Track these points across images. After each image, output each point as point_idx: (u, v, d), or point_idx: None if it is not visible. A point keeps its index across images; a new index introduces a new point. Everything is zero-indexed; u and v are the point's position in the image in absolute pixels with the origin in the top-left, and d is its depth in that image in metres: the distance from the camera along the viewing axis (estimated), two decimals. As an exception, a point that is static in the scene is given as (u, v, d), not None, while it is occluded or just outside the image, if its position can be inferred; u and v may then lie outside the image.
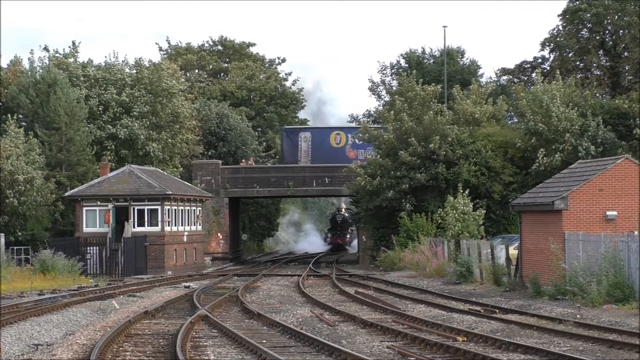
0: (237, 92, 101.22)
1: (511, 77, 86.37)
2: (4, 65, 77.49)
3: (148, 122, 75.57)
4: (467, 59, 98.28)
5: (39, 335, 27.14)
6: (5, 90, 71.84)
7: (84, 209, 62.30)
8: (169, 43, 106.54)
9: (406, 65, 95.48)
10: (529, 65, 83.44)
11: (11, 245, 59.05)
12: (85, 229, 61.87)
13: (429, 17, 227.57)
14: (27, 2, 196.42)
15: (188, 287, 47.24)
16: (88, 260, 58.65)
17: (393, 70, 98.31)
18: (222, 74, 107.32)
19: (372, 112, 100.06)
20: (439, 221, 57.77)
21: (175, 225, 64.28)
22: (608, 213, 37.56)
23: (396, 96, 69.67)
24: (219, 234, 77.91)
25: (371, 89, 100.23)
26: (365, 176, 65.55)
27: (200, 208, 70.14)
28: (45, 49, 79.67)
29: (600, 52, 78.52)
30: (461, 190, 55.97)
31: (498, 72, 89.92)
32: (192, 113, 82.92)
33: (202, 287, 45.55)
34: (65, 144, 67.91)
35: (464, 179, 62.25)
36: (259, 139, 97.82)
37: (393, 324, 28.84)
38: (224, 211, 78.21)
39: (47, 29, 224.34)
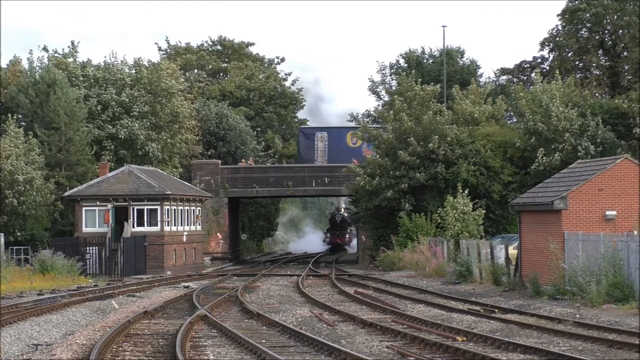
0: (237, 91, 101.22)
1: (510, 77, 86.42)
2: (4, 66, 77.54)
3: (148, 123, 75.57)
4: (466, 58, 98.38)
5: (38, 335, 27.14)
6: (5, 91, 71.82)
7: (84, 209, 62.27)
8: (168, 43, 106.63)
9: (405, 65, 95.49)
10: (528, 65, 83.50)
11: (11, 245, 59.02)
12: (85, 229, 61.84)
13: (429, 17, 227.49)
14: (26, 2, 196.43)
15: (187, 287, 47.23)
16: (87, 260, 58.62)
17: (392, 70, 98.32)
18: (221, 74, 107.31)
19: (372, 112, 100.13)
20: (439, 221, 57.78)
21: (174, 225, 64.27)
22: (607, 213, 37.56)
23: (395, 96, 69.69)
24: (218, 234, 77.90)
25: (371, 89, 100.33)
26: (365, 176, 65.56)
27: (199, 208, 70.13)
28: (45, 49, 79.74)
29: (600, 51, 78.56)
30: (460, 190, 55.98)
31: (497, 72, 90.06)
32: (192, 113, 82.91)
33: (201, 287, 45.55)
34: (65, 144, 67.90)
35: (463, 178, 62.27)
36: (258, 138, 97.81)
37: (392, 324, 28.84)
38: (224, 211, 78.20)
39: (47, 29, 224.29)
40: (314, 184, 78.47)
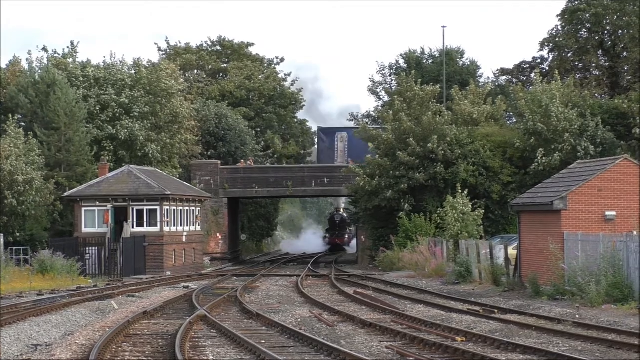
0: (236, 92, 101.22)
1: (510, 77, 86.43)
2: (3, 66, 77.56)
3: (149, 124, 75.55)
4: (466, 59, 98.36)
5: (38, 336, 27.13)
6: (4, 91, 71.81)
7: (83, 209, 62.26)
8: (168, 43, 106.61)
9: (405, 65, 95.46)
10: (527, 66, 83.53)
11: (10, 245, 59.00)
12: (84, 230, 61.84)
13: (429, 17, 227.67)
14: (26, 2, 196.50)
15: (187, 287, 47.23)
16: (87, 261, 58.64)
17: (392, 71, 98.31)
18: (221, 74, 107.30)
19: (372, 113, 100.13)
20: (438, 221, 57.78)
21: (174, 226, 64.27)
22: (607, 213, 37.57)
23: (395, 96, 69.71)
24: (218, 234, 77.89)
25: (370, 90, 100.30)
26: (365, 176, 65.57)
27: (199, 208, 70.12)
28: (44, 49, 79.76)
29: (599, 52, 78.59)
30: (460, 191, 55.97)
31: (497, 72, 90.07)
32: (191, 113, 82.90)
33: (201, 288, 45.55)
34: (65, 144, 67.89)
35: (462, 178, 62.28)
36: (257, 139, 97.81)
37: (392, 324, 28.84)
38: (223, 211, 78.18)
39: (47, 29, 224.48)
40: (313, 184, 78.45)
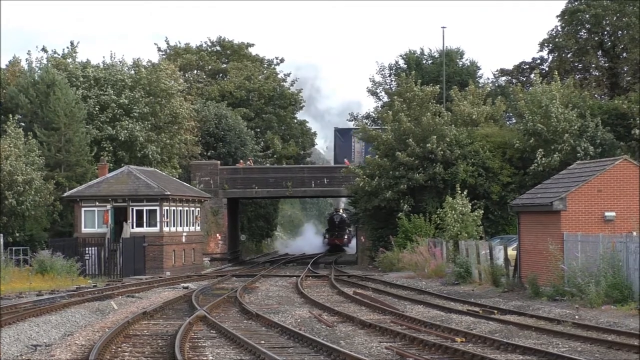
0: (236, 92, 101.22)
1: (510, 77, 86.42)
2: (3, 66, 77.59)
3: (149, 125, 75.54)
4: (466, 59, 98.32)
5: (37, 336, 27.13)
6: (4, 91, 71.81)
7: (83, 209, 62.25)
8: (167, 43, 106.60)
9: (405, 66, 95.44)
10: (527, 66, 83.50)
11: (10, 245, 59.01)
12: (84, 230, 61.82)
13: (429, 18, 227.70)
14: (26, 3, 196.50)
15: (187, 287, 47.22)
16: (87, 261, 58.63)
17: (392, 71, 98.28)
18: (220, 75, 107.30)
19: (371, 114, 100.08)
20: (438, 222, 57.78)
21: (173, 226, 64.25)
22: (606, 214, 37.57)
23: (395, 97, 69.72)
24: (217, 235, 77.88)
25: (370, 90, 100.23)
26: (364, 177, 65.57)
27: (198, 209, 70.11)
28: (44, 49, 79.78)
29: (599, 52, 78.60)
30: (459, 191, 55.97)
31: (497, 72, 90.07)
32: (191, 114, 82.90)
33: (200, 288, 45.55)
34: (64, 144, 67.90)
35: (462, 179, 62.28)
36: (257, 139, 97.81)
37: (391, 325, 28.83)
38: (223, 212, 78.17)
39: (47, 29, 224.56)
40: (313, 184, 78.45)
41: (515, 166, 64.45)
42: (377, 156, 66.92)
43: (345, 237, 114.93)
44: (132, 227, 61.81)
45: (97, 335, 26.69)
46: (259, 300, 40.14)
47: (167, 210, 62.76)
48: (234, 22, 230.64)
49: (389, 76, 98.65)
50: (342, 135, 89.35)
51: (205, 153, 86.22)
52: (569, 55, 79.19)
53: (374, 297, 39.43)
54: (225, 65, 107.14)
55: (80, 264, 56.17)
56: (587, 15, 76.50)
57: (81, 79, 75.46)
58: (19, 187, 61.60)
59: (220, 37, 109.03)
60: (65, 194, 63.53)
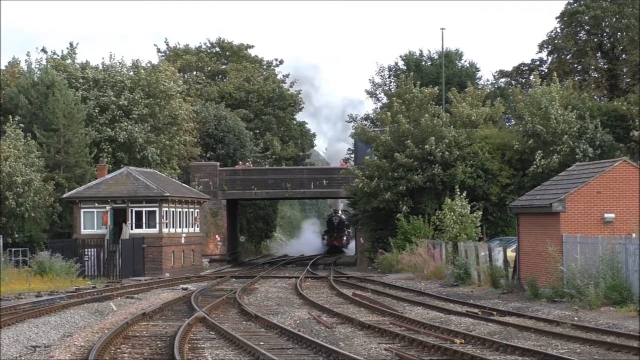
0: (235, 93, 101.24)
1: (509, 79, 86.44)
2: (2, 67, 77.59)
3: (149, 127, 75.53)
4: (465, 61, 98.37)
5: (36, 337, 27.12)
6: (4, 92, 71.80)
7: (82, 210, 62.24)
8: (167, 45, 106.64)
9: (405, 67, 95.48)
10: (526, 68, 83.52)
11: (9, 246, 59.00)
12: (83, 231, 61.82)
13: (428, 19, 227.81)
14: (26, 3, 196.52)
15: (186, 289, 47.22)
16: (86, 262, 58.63)
17: (391, 72, 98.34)
18: (219, 76, 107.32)
19: (370, 115, 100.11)
20: (437, 223, 57.77)
21: (173, 227, 64.24)
22: (606, 215, 37.57)
23: (394, 98, 69.72)
24: (216, 236, 77.87)
25: (369, 92, 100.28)
26: (363, 178, 65.57)
27: (198, 210, 70.10)
28: (43, 50, 79.84)
29: (598, 54, 78.61)
30: (458, 192, 55.95)
31: (496, 74, 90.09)
32: (190, 115, 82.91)
33: (199, 289, 45.54)
34: (64, 145, 67.89)
35: (460, 180, 62.29)
36: (256, 140, 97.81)
37: (390, 326, 28.83)
38: (222, 213, 78.15)
39: (46, 29, 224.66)
40: (312, 186, 78.45)
41: (515, 167, 64.46)
42: (375, 157, 66.93)
43: (344, 238, 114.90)
44: (132, 229, 61.80)
45: (97, 336, 26.70)
46: (258, 301, 40.13)
47: (166, 211, 62.76)
48: (233, 23, 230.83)
49: (389, 77, 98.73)
50: (362, 139, 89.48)
51: (204, 154, 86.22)
52: (568, 57, 79.20)
53: (373, 298, 39.44)
54: (224, 67, 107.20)
55: (79, 265, 56.17)
56: (587, 17, 76.50)
57: (81, 80, 75.49)
58: (18, 188, 61.58)
59: (220, 38, 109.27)
60: (65, 195, 63.51)
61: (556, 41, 78.80)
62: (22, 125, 68.52)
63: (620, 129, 62.82)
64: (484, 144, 65.43)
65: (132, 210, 62.16)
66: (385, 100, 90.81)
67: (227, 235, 79.01)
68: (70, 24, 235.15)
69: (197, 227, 70.12)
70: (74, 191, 63.41)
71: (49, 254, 54.19)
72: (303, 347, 24.67)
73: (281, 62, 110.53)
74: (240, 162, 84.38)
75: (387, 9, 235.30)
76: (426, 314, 33.13)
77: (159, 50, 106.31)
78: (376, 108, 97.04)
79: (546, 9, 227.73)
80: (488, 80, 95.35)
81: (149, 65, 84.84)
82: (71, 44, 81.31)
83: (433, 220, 58.84)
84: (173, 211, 64.13)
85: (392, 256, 60.30)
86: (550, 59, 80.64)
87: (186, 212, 67.02)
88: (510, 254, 44.00)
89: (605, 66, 78.68)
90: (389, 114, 67.70)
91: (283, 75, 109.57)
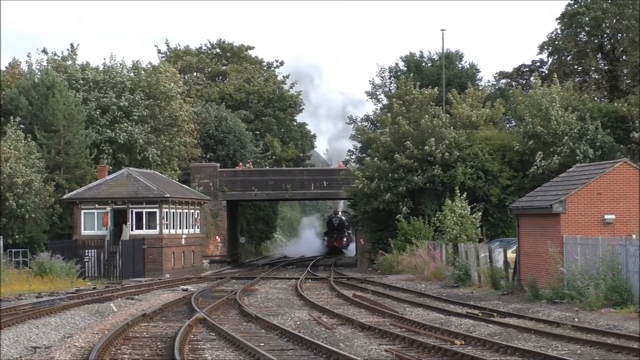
0: (236, 94, 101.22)
1: (509, 80, 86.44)
2: (3, 68, 77.58)
3: (150, 128, 75.52)
4: (465, 62, 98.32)
5: (37, 338, 27.12)
6: (4, 93, 71.81)
7: (82, 211, 62.26)
8: (168, 46, 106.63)
9: (405, 68, 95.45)
10: (527, 69, 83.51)
11: (9, 247, 59.01)
12: (84, 232, 61.84)
13: (428, 20, 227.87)
14: (26, 3, 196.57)
15: (186, 290, 47.23)
16: (86, 263, 58.64)
17: (392, 73, 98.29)
18: (220, 77, 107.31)
19: (370, 116, 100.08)
20: (437, 224, 57.75)
21: (173, 228, 64.25)
22: (606, 217, 37.56)
23: (394, 99, 69.72)
24: (217, 237, 77.86)
25: (369, 93, 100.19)
26: (363, 179, 65.57)
27: (198, 211, 70.11)
28: (44, 51, 79.84)
29: (599, 55, 78.59)
30: (459, 193, 55.95)
31: (496, 75, 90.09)
32: (191, 116, 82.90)
33: (200, 290, 45.55)
34: (64, 146, 67.89)
35: (460, 181, 62.28)
36: (256, 141, 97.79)
37: (391, 327, 28.82)
38: (222, 214, 78.15)
39: (46, 30, 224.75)
40: (312, 187, 78.45)
41: (515, 169, 64.45)
42: (376, 158, 66.92)
43: (344, 239, 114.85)
44: (132, 230, 61.82)
45: (97, 337, 26.70)
46: (259, 302, 40.13)
47: (166, 212, 62.77)
48: (234, 24, 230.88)
49: (389, 78, 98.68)
50: None
51: (204, 155, 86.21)
52: (568, 58, 79.19)
53: (374, 299, 39.43)
54: (225, 68, 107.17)
55: (79, 266, 56.17)
56: (587, 18, 76.49)
57: (81, 82, 75.48)
58: (18, 189, 61.59)
59: (220, 39, 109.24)
60: (65, 196, 63.52)
61: (556, 42, 78.79)
62: (22, 126, 68.51)
63: (621, 130, 62.82)
64: (484, 145, 65.43)
65: (132, 211, 62.18)
66: (385, 101, 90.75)
67: (227, 236, 79.01)
68: (70, 24, 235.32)
69: (198, 228, 70.13)
70: (74, 192, 63.43)
71: (50, 255, 54.19)
72: (303, 348, 24.67)
73: (281, 63, 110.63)
74: (240, 163, 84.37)
75: (388, 9, 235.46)
76: (426, 315, 33.14)
77: (159, 51, 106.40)
78: (376, 109, 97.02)
79: (546, 10, 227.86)
80: (488, 81, 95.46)
81: (149, 66, 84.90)
82: (72, 45, 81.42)
83: (433, 221, 58.82)
84: (173, 212, 64.15)
85: (393, 257, 60.29)
86: (550, 60, 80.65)
87: (186, 213, 67.03)
88: (511, 255, 44.00)
89: (606, 67, 78.66)
90: (389, 115, 67.70)
91: (283, 77, 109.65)
